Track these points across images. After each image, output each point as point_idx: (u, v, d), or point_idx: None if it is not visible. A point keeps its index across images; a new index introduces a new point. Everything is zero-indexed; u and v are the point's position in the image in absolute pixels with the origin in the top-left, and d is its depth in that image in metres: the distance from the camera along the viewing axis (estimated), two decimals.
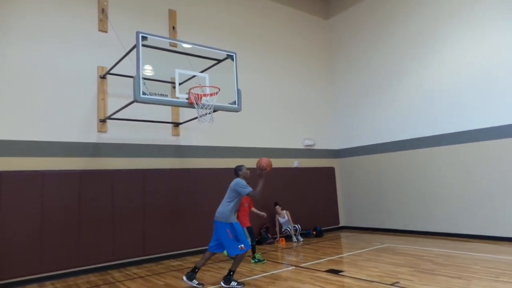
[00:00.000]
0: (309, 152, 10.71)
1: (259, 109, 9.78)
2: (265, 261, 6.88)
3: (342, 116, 11.40)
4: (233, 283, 5.20)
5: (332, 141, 11.44)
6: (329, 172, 11.06)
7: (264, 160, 5.64)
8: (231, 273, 5.30)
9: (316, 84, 11.35)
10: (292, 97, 10.63)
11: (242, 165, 5.91)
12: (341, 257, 6.99)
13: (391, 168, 9.90)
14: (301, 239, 9.14)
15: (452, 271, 5.47)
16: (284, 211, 9.32)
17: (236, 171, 5.83)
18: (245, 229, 6.54)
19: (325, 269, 5.97)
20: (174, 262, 7.26)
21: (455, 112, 8.59)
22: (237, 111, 6.56)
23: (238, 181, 5.57)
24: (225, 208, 5.48)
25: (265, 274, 5.91)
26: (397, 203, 9.68)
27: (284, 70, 10.58)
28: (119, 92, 7.20)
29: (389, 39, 10.17)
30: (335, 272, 5.78)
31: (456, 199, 8.47)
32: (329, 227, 10.65)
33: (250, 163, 9.27)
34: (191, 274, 5.48)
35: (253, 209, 7.48)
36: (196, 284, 5.37)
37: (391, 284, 4.90)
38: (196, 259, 7.40)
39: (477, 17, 8.32)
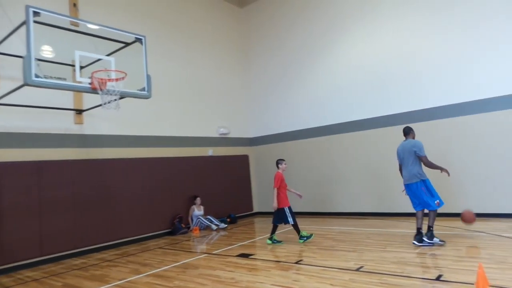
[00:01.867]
0: (224, 141, 10.79)
1: (172, 97, 9.50)
2: (283, 242, 6.76)
3: (257, 105, 11.71)
4: (436, 239, 5.50)
5: (246, 130, 11.69)
6: (243, 160, 11.32)
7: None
8: (431, 228, 5.56)
9: (230, 72, 11.43)
10: (207, 85, 10.55)
11: None
12: (252, 242, 7.24)
13: (301, 155, 10.50)
14: (225, 225, 9.20)
15: (349, 246, 6.07)
16: (202, 206, 9.34)
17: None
18: (286, 208, 6.70)
19: (236, 254, 6.13)
20: (77, 261, 6.74)
21: (358, 101, 9.42)
22: (146, 98, 6.25)
23: (417, 143, 5.81)
24: (413, 169, 5.73)
25: (176, 264, 5.84)
26: (307, 187, 10.30)
27: (198, 57, 10.41)
28: (10, 74, 6.31)
29: (301, 30, 10.66)
30: (246, 256, 5.97)
31: (357, 182, 9.37)
32: (244, 214, 10.94)
33: (162, 152, 9.06)
34: (420, 236, 5.58)
35: (291, 189, 7.16)
36: (439, 240, 5.50)
37: (295, 262, 5.25)
38: (104, 255, 7.01)
39: (381, 13, 9.15)
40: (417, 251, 5.31)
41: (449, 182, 7.67)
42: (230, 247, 6.81)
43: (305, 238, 6.56)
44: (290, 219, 6.61)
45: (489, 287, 3.53)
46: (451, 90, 7.96)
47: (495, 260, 4.52)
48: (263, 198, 11.36)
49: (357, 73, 9.45)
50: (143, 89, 6.03)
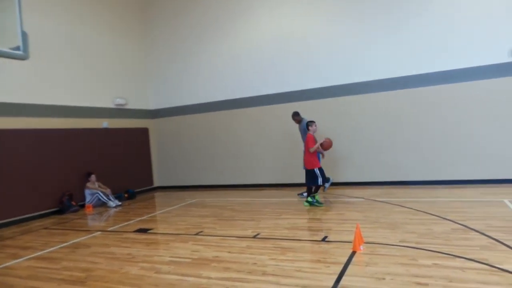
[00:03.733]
0: (121, 112, 10.03)
1: (60, 60, 8.38)
2: (323, 204, 6.56)
3: (157, 76, 11.09)
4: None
5: (146, 101, 11.06)
6: (143, 133, 10.75)
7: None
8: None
9: (129, 39, 10.54)
10: (102, 50, 9.55)
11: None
12: (152, 216, 7.03)
13: (204, 128, 10.42)
14: (119, 202, 8.67)
15: (248, 215, 6.34)
16: (97, 183, 8.65)
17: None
18: (317, 169, 6.55)
19: (134, 230, 5.88)
20: None
21: (261, 76, 9.62)
22: (23, 59, 5.39)
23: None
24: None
25: (64, 244, 5.35)
26: (209, 160, 10.37)
27: (92, 18, 9.32)
28: None
29: (202, 1, 10.30)
30: (144, 231, 5.78)
31: (255, 155, 9.73)
32: (143, 189, 10.52)
33: (49, 123, 8.03)
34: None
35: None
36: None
37: (195, 234, 5.28)
38: None
39: None
40: (307, 217, 5.82)
41: (338, 155, 8.54)
42: (127, 223, 6.50)
43: (313, 202, 6.53)
44: (319, 180, 6.51)
45: (364, 243, 4.08)
46: (345, 70, 8.67)
47: (369, 221, 5.22)
48: (164, 172, 11.06)
49: (259, 48, 9.60)
50: (17, 48, 5.16)
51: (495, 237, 3.98)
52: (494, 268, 3.14)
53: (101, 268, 4.11)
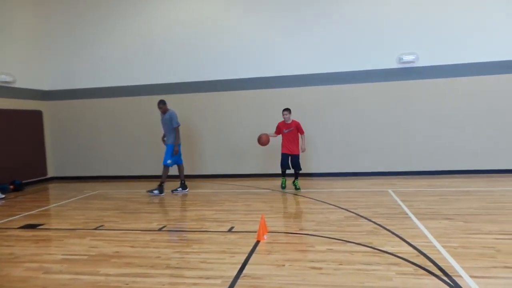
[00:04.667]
0: (6, 91, 8.67)
1: None
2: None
3: (55, 52, 9.83)
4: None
5: (40, 80, 9.74)
6: (35, 116, 9.51)
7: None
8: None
9: (15, 5, 9.14)
10: None
11: None
12: (43, 210, 6.30)
13: (106, 114, 9.63)
14: (2, 195, 7.54)
15: (154, 207, 6.12)
16: None
17: None
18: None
19: (20, 226, 5.21)
20: None
21: (170, 64, 9.26)
22: None
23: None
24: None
25: None
26: (112, 149, 9.67)
27: None
28: None
29: None
30: (33, 227, 5.15)
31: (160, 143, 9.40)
32: (34, 179, 9.36)
33: None
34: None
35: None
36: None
37: (94, 229, 4.89)
38: None
39: None
40: (216, 208, 5.84)
41: (243, 148, 8.74)
42: (11, 218, 5.73)
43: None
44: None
45: (268, 233, 4.26)
46: (255, 65, 8.87)
47: (274, 211, 5.48)
48: (61, 162, 10.00)
49: (166, 36, 9.25)
50: None
51: (379, 223, 4.52)
52: (376, 250, 3.56)
53: None
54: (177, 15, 9.20)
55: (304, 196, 6.44)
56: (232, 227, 4.65)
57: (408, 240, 3.82)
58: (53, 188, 8.92)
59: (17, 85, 8.97)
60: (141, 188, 8.05)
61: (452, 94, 8.03)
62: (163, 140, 7.49)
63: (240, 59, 8.92)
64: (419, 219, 4.63)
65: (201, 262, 3.49)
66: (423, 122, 8.15)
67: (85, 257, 3.79)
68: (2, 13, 8.67)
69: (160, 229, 4.73)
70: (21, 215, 5.90)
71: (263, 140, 6.94)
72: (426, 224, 4.37)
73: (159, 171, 9.34)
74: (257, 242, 3.99)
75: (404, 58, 8.07)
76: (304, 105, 8.54)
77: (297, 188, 7.04)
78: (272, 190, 7.18)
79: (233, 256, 3.59)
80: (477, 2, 7.86)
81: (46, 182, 9.69)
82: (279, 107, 8.07)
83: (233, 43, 8.94)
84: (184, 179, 7.47)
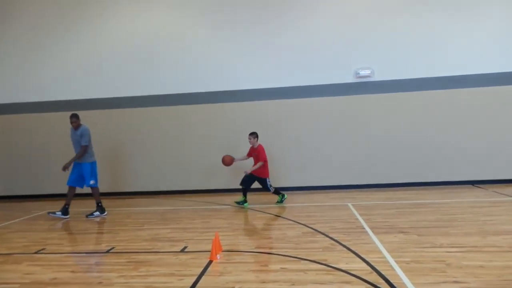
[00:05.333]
0: None
1: None
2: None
3: (3, 65, 9.33)
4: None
5: None
6: None
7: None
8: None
9: None
10: None
11: None
12: None
13: (56, 129, 9.13)
14: None
15: (105, 227, 5.77)
16: None
17: None
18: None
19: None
20: None
21: (121, 77, 9.00)
22: None
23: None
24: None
25: None
26: (54, 166, 9.12)
27: None
28: None
29: None
30: None
31: (115, 161, 9.02)
32: None
33: None
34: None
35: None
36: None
37: (34, 253, 4.49)
38: None
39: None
40: (172, 226, 5.58)
41: (209, 163, 8.54)
42: None
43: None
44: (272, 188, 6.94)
45: (222, 251, 4.07)
46: (207, 78, 8.78)
47: (232, 227, 5.30)
48: (4, 179, 9.32)
49: (122, 49, 9.05)
50: None
51: (336, 238, 4.46)
52: (330, 268, 3.47)
53: None
54: (130, 28, 9.00)
55: (263, 212, 6.31)
56: (185, 247, 4.42)
57: (363, 256, 3.76)
58: None
59: None
60: (93, 207, 7.60)
61: (407, 108, 8.30)
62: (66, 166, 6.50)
63: (198, 72, 8.80)
64: (375, 233, 4.63)
65: (147, 287, 3.25)
66: (382, 135, 8.34)
67: (17, 286, 3.43)
68: None
69: (107, 251, 4.41)
70: None
71: (226, 162, 6.89)
72: (381, 239, 4.36)
73: (114, 187, 9.01)
74: (210, 262, 3.79)
75: (360, 72, 8.28)
76: (263, 118, 8.52)
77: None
78: (232, 206, 7.01)
79: (182, 279, 3.37)
80: (433, 19, 8.26)
81: None
82: (240, 121, 7.99)
83: (191, 56, 8.83)
84: (69, 204, 6.73)
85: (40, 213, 7.14)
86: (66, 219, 6.51)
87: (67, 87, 9.13)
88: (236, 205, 7.03)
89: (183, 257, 4.06)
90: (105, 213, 6.81)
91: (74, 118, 6.60)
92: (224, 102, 8.71)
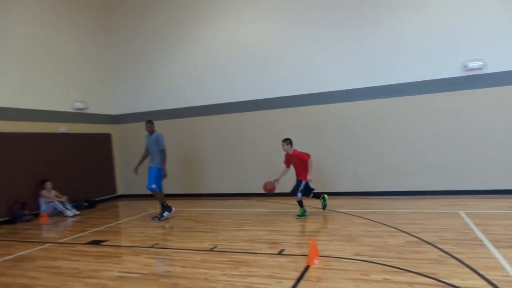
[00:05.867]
0: (80, 117, 9.60)
1: (13, 60, 7.97)
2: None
3: (121, 80, 10.73)
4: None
5: (109, 106, 10.66)
6: (105, 139, 10.35)
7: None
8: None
9: (90, 41, 10.12)
10: (59, 51, 9.14)
11: None
12: (109, 227, 6.71)
13: (170, 135, 10.11)
14: (77, 211, 8.24)
15: (208, 226, 6.17)
16: (53, 191, 8.24)
17: None
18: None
19: (87, 242, 5.58)
20: None
21: (222, 85, 9.54)
22: None
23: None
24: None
25: (8, 257, 4.99)
26: (175, 168, 10.09)
27: (47, 17, 8.92)
28: None
29: (170, 4, 10.11)
30: (97, 243, 5.49)
31: (219, 164, 9.58)
32: (105, 197, 10.11)
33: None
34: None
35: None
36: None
37: (150, 247, 5.06)
38: None
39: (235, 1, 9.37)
40: (268, 228, 5.72)
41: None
42: (81, 234, 6.17)
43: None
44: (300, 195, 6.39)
45: (319, 257, 4.02)
46: (302, 81, 8.74)
47: (328, 233, 5.20)
48: (128, 181, 10.67)
49: (220, 56, 9.53)
50: None
51: (446, 250, 4.03)
52: (441, 283, 3.15)
53: (41, 284, 3.83)
54: (229, 35, 9.46)
55: (361, 217, 6.05)
56: (282, 250, 4.48)
57: (481, 272, 3.33)
58: (121, 205, 9.52)
59: (89, 111, 9.90)
60: (198, 207, 8.25)
61: None
62: (136, 170, 7.25)
63: (292, 75, 8.86)
64: (496, 247, 4.05)
65: (247, 287, 3.39)
66: (501, 134, 7.27)
67: (137, 275, 3.90)
68: (77, 48, 9.71)
69: (211, 249, 4.73)
70: (90, 231, 6.34)
71: (267, 188, 6.43)
72: (505, 254, 3.80)
73: (215, 189, 9.64)
74: (307, 267, 3.78)
75: (469, 65, 7.35)
76: (355, 121, 8.17)
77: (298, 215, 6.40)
78: (329, 210, 6.88)
79: (280, 282, 3.43)
80: None
81: (115, 200, 10.39)
82: (327, 124, 7.79)
83: (283, 57, 8.93)
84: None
85: (153, 211, 8.00)
86: (172, 212, 7.13)
87: (180, 95, 9.98)
88: (298, 218, 6.35)
89: (280, 259, 4.13)
90: (173, 210, 7.12)
91: (149, 124, 7.10)
92: (314, 104, 8.62)
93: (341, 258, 4.04)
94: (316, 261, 3.88)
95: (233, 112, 9.41)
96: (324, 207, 6.69)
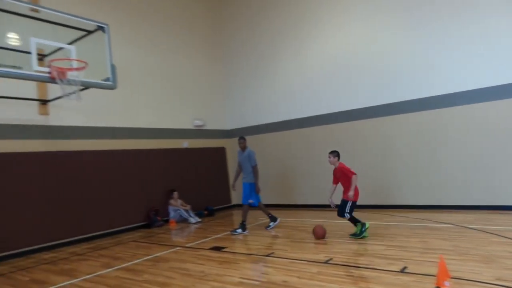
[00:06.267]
0: (199, 133, 10.66)
1: (144, 87, 9.31)
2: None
3: (233, 97, 11.59)
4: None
5: (223, 121, 11.58)
6: (220, 152, 11.23)
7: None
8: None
9: (205, 63, 11.22)
10: (180, 75, 10.34)
11: None
12: (227, 235, 7.19)
13: (277, 147, 10.49)
14: (199, 219, 9.12)
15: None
16: (179, 200, 9.26)
17: None
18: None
19: (209, 247, 6.09)
20: (47, 255, 6.58)
21: (331, 94, 9.44)
22: (112, 89, 6.07)
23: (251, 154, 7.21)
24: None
25: (148, 257, 5.77)
26: (283, 179, 10.36)
27: (170, 47, 10.17)
28: None
29: (276, 20, 10.52)
30: (218, 249, 5.94)
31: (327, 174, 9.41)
32: (221, 206, 10.90)
33: (134, 144, 8.86)
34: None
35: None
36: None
37: (267, 255, 5.25)
38: (75, 249, 6.89)
39: (353, 4, 9.13)
40: (386, 243, 5.39)
41: (422, 174, 7.86)
42: (204, 240, 6.76)
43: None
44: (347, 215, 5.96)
45: (450, 278, 3.61)
46: (420, 84, 8.04)
47: (458, 252, 4.63)
48: (241, 191, 11.29)
49: (330, 66, 9.44)
50: (108, 79, 5.85)
51: None
52: None
53: (175, 283, 4.31)
54: (339, 44, 9.37)
55: (499, 235, 5.23)
56: (405, 267, 4.16)
57: None
58: (235, 214, 10.13)
59: (207, 127, 10.92)
60: (308, 217, 8.25)
61: None
62: (233, 186, 7.65)
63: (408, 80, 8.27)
64: None
65: None
66: None
67: (257, 282, 4.08)
68: (196, 71, 10.85)
69: (326, 262, 4.67)
70: (211, 238, 6.91)
71: (318, 234, 5.98)
72: None
73: (325, 200, 9.49)
74: None
75: None
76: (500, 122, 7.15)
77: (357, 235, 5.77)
78: (455, 225, 6.14)
79: None
80: None
81: (230, 209, 11.12)
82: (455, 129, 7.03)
83: (393, 64, 8.41)
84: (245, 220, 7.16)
85: (265, 220, 8.27)
86: (278, 222, 7.35)
87: (292, 106, 10.22)
88: (353, 238, 5.82)
89: (404, 278, 3.84)
90: (278, 220, 7.34)
91: (242, 140, 7.40)
92: (433, 109, 7.86)
93: (479, 282, 3.55)
94: (447, 283, 3.49)
95: (347, 121, 9.21)
96: (359, 234, 5.81)
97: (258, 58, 10.95)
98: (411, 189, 8.16)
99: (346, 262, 4.60)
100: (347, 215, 5.91)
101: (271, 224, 7.32)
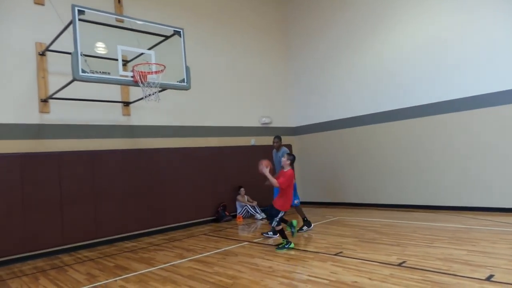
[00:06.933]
0: (266, 130, 10.79)
1: (213, 87, 9.67)
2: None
3: (299, 94, 11.54)
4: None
5: (289, 119, 11.59)
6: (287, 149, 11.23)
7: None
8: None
9: (271, 61, 11.34)
10: (247, 74, 10.58)
11: None
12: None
13: (345, 144, 10.22)
14: (265, 216, 9.26)
15: (392, 239, 5.83)
16: (246, 196, 9.49)
17: None
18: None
19: (276, 244, 6.14)
20: (128, 244, 7.20)
21: (405, 89, 8.91)
22: (186, 89, 6.43)
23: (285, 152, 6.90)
24: None
25: (218, 250, 6.01)
26: (351, 177, 10.07)
27: (238, 47, 10.45)
28: (61, 70, 6.79)
29: (343, 16, 10.26)
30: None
31: (404, 173, 8.93)
32: None
33: (205, 142, 9.28)
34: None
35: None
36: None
37: (335, 254, 5.15)
38: (152, 239, 7.42)
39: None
40: (467, 248, 4.96)
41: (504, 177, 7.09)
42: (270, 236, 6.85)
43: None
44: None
45: None
46: (499, 78, 7.22)
47: None
48: (305, 188, 11.26)
49: (404, 59, 8.92)
50: (183, 81, 6.20)
51: None
52: None
53: (244, 277, 4.43)
54: (410, 38, 8.83)
55: None
56: (491, 275, 3.79)
57: None
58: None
59: (273, 124, 11.03)
60: (378, 217, 7.91)
61: None
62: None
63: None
64: None
65: None
66: None
67: (326, 281, 4.03)
68: (263, 71, 11.01)
69: (399, 264, 4.44)
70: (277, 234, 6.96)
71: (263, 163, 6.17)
72: None
73: (396, 200, 9.03)
74: None
75: None
76: None
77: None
78: None
79: None
80: None
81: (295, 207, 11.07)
82: None
83: (475, 56, 7.66)
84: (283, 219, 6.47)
85: (332, 219, 8.14)
86: (311, 228, 7.15)
87: (358, 103, 9.93)
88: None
89: (490, 287, 3.50)
90: (311, 226, 7.08)
91: (277, 139, 7.20)
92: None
93: None
94: None
95: (423, 116, 8.65)
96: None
97: (326, 53, 10.75)
98: (500, 189, 7.40)
99: (422, 266, 4.32)
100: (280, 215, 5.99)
101: (304, 228, 7.09)
